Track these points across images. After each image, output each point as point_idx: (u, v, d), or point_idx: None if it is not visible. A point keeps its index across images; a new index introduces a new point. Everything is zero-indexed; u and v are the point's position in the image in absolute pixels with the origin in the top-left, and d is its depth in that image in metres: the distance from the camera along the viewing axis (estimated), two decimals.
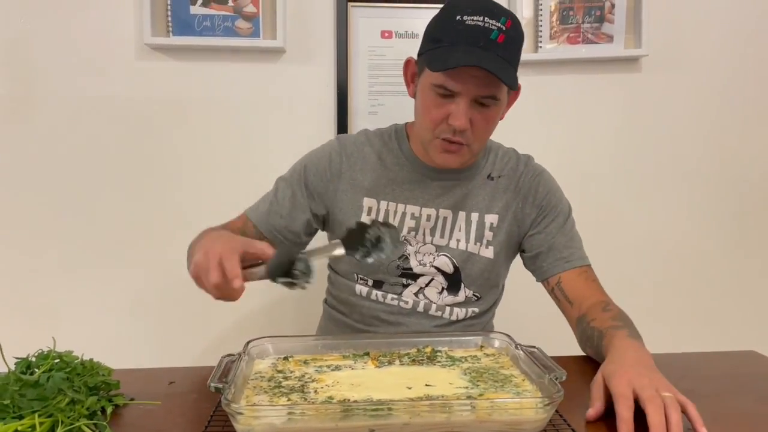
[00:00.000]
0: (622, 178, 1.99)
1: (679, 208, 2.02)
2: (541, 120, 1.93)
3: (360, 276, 1.34)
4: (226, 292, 0.97)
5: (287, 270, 0.95)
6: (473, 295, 1.35)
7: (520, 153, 1.41)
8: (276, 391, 0.87)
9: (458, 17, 1.16)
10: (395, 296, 1.33)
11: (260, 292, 1.91)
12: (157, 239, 1.88)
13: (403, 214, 1.32)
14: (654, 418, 0.81)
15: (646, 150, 1.99)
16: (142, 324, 1.90)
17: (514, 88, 1.21)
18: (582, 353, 1.21)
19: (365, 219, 1.32)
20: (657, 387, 0.87)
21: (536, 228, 1.34)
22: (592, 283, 1.28)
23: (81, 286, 1.87)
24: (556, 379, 0.86)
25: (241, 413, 0.76)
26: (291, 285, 0.96)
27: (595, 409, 0.89)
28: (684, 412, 0.84)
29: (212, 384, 0.83)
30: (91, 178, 1.85)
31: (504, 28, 1.15)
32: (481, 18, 1.15)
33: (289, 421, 0.77)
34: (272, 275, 0.96)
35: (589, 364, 1.14)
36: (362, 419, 0.77)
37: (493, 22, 1.15)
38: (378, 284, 1.34)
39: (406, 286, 1.33)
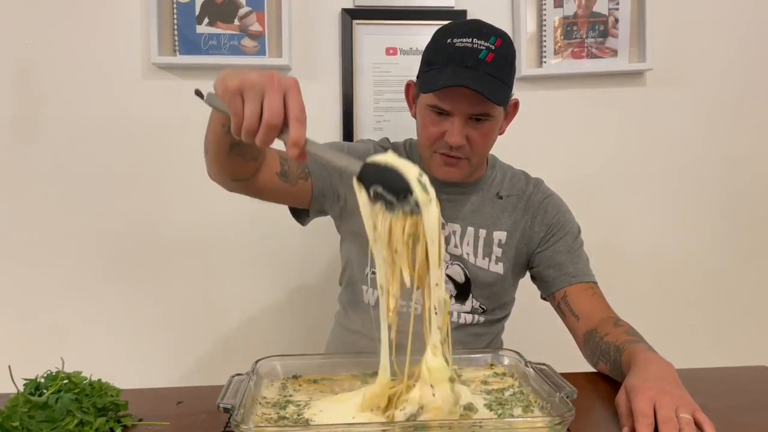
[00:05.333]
0: (628, 192, 1.99)
1: (685, 221, 2.01)
2: (546, 134, 1.93)
3: (373, 270, 1.34)
4: (268, 133, 0.80)
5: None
6: (480, 306, 1.36)
7: (531, 176, 1.44)
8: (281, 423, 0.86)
9: (448, 40, 1.21)
10: (403, 303, 1.34)
11: (266, 299, 1.93)
12: (165, 257, 1.89)
13: None
14: None
15: (651, 164, 1.98)
16: (150, 341, 1.90)
17: (502, 105, 1.23)
18: (592, 369, 1.20)
19: None
20: (678, 405, 0.86)
21: (544, 245, 1.35)
22: (598, 299, 1.29)
23: (89, 305, 1.87)
24: (567, 397, 0.85)
25: None
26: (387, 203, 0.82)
27: (629, 428, 0.87)
28: (700, 430, 0.84)
29: (221, 404, 0.82)
30: (99, 197, 1.86)
31: (493, 47, 1.19)
32: (470, 39, 1.19)
33: None
34: (369, 179, 0.82)
35: (601, 381, 1.13)
36: None
37: (482, 42, 1.19)
38: None
39: None
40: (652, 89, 1.96)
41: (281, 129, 0.81)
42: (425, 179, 0.84)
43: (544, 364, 0.98)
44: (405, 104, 1.38)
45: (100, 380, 0.95)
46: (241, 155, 1.07)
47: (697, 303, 2.03)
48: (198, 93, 0.88)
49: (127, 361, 1.83)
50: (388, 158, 0.85)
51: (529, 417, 0.86)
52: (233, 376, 0.94)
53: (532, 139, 1.88)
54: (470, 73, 1.17)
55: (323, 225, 1.45)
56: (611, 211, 1.98)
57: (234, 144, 1.02)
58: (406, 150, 1.41)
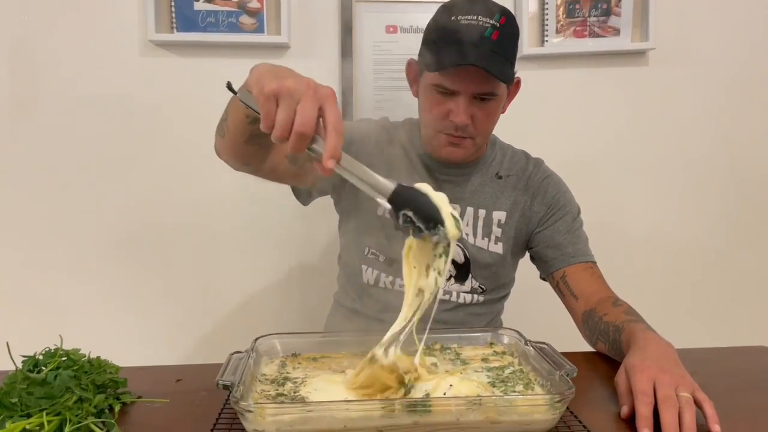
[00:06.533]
0: (629, 172, 1.98)
1: (686, 202, 2.01)
2: (548, 114, 1.92)
3: (372, 251, 1.34)
4: (299, 141, 0.78)
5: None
6: (479, 287, 1.36)
7: (531, 155, 1.43)
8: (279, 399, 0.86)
9: (453, 17, 1.19)
10: (402, 281, 1.34)
11: (266, 278, 1.93)
12: (163, 236, 1.88)
13: None
14: (666, 417, 0.81)
15: (653, 144, 1.97)
16: (149, 320, 1.90)
17: (508, 83, 1.23)
18: (591, 349, 1.20)
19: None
20: (678, 384, 0.86)
21: (543, 225, 1.35)
22: (597, 279, 1.29)
23: (87, 283, 1.87)
24: (567, 375, 0.85)
25: (250, 411, 0.75)
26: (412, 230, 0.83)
27: (629, 406, 0.87)
28: (700, 408, 0.84)
29: (220, 381, 0.82)
30: (97, 175, 1.85)
31: (498, 25, 1.18)
32: (475, 17, 1.18)
33: (298, 419, 0.76)
34: (402, 207, 0.82)
35: (600, 360, 1.13)
36: (371, 419, 0.76)
37: (487, 19, 1.17)
38: (390, 261, 1.34)
39: None
40: (655, 69, 1.94)
41: (312, 138, 0.79)
42: (458, 214, 0.85)
43: (544, 343, 0.98)
44: (405, 83, 1.36)
45: (99, 357, 0.95)
46: (259, 144, 1.05)
47: (697, 284, 2.03)
48: (230, 87, 0.86)
49: (126, 339, 1.84)
50: (423, 186, 0.85)
51: (530, 394, 0.86)
52: (233, 354, 0.94)
53: (533, 119, 1.86)
54: (476, 52, 1.15)
55: (323, 205, 1.44)
56: (612, 191, 1.97)
57: (254, 134, 1.01)
58: (407, 130, 1.39)
